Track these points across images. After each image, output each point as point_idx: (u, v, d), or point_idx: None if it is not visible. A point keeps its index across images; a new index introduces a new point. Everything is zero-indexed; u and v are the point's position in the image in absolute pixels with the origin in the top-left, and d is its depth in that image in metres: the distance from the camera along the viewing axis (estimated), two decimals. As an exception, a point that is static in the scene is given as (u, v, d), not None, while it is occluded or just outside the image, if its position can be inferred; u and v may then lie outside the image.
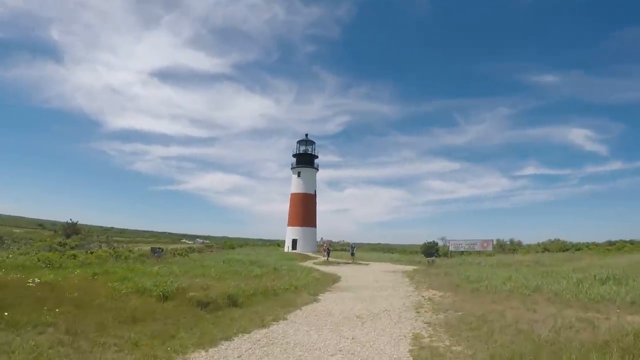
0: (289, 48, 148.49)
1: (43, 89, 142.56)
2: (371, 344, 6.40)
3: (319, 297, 11.41)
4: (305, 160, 49.98)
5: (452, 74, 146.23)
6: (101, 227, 78.40)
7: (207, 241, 71.76)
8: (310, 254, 40.45)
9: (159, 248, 26.45)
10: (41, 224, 63.59)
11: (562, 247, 37.30)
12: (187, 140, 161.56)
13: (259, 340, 6.50)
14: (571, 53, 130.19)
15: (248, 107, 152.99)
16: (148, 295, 9.09)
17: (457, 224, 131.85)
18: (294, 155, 50.81)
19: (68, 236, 31.16)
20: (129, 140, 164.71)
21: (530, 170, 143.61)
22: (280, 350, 5.98)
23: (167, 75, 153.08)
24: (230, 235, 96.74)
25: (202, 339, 6.30)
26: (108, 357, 5.27)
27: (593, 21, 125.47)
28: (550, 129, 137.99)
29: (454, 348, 6.05)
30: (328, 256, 30.12)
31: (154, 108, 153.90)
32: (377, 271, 21.60)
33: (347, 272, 20.47)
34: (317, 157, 51.07)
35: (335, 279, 16.68)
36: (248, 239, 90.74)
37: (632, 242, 36.72)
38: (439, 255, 33.79)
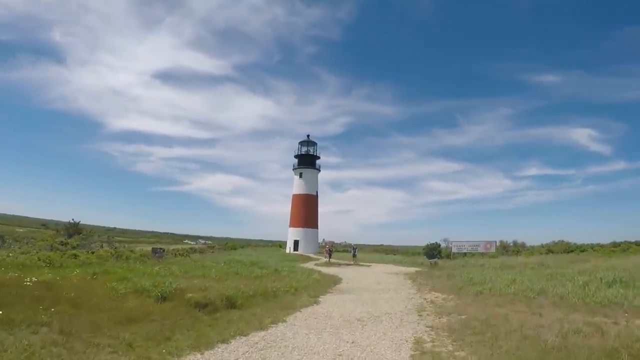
0: (290, 49, 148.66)
1: (46, 91, 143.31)
2: (371, 348, 6.23)
3: (320, 299, 11.23)
4: (306, 161, 49.86)
5: (452, 74, 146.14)
6: (104, 227, 78.55)
7: (209, 242, 71.74)
8: (311, 255, 40.32)
9: (160, 248, 26.38)
10: (44, 224, 63.45)
11: (567, 249, 36.93)
12: (188, 142, 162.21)
13: (257, 343, 6.36)
14: (572, 52, 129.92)
15: (249, 108, 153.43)
16: (146, 296, 9.01)
17: (459, 225, 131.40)
18: (295, 156, 50.76)
19: (70, 236, 31.06)
20: (131, 141, 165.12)
21: (532, 170, 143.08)
22: (278, 354, 5.84)
23: (169, 77, 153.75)
24: (232, 236, 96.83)
25: (198, 341, 6.17)
26: (101, 358, 5.16)
27: (594, 21, 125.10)
28: (552, 129, 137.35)
29: (457, 354, 5.89)
30: (330, 257, 29.93)
31: (156, 109, 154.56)
32: (379, 273, 21.40)
33: (348, 273, 20.28)
34: (318, 158, 50.99)
35: (336, 280, 16.50)
36: (250, 240, 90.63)
37: (637, 244, 36.13)
38: (441, 257, 33.45)
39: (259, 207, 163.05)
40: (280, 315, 8.54)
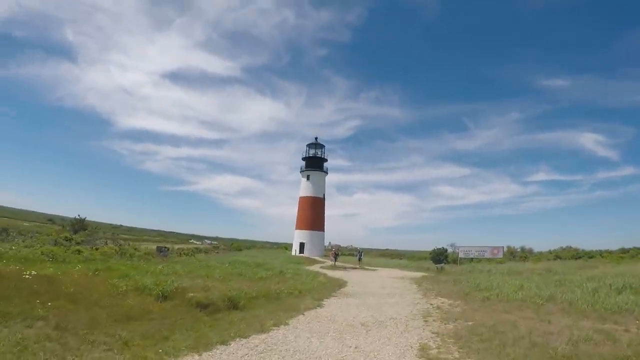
0: (299, 52, 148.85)
1: (57, 88, 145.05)
2: (375, 354, 6.03)
3: (324, 303, 11.04)
4: (314, 163, 49.73)
5: (461, 77, 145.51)
6: (110, 224, 78.98)
7: (215, 242, 71.83)
8: (317, 258, 40.11)
9: (165, 247, 26.45)
10: (51, 219, 64.09)
11: (575, 255, 36.45)
12: (197, 142, 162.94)
13: (257, 345, 6.17)
14: (581, 56, 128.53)
15: (258, 110, 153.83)
16: (147, 294, 8.89)
17: (466, 230, 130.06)
18: (303, 159, 50.67)
19: (75, 232, 31.26)
20: (139, 140, 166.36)
21: (540, 176, 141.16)
22: (279, 358, 5.66)
23: (179, 77, 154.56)
24: (238, 237, 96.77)
25: (197, 342, 6.02)
26: (95, 355, 5.02)
27: (602, 24, 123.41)
28: (561, 134, 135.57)
29: (463, 361, 5.68)
30: (335, 261, 29.76)
31: (165, 109, 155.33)
32: (385, 277, 21.18)
33: (353, 277, 20.08)
34: (326, 160, 50.87)
35: (341, 284, 16.31)
36: (256, 242, 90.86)
37: (646, 250, 35.71)
38: (448, 262, 33.16)
39: (266, 208, 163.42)
40: (282, 318, 8.34)
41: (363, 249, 42.13)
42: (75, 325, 5.98)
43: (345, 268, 26.63)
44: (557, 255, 37.37)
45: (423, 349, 6.35)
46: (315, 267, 25.48)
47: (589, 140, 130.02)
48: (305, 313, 9.27)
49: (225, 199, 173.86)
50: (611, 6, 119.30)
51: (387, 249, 75.57)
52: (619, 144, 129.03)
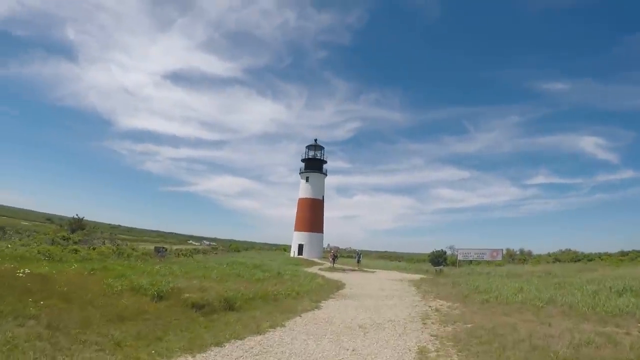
0: (300, 53, 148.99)
1: (57, 87, 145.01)
2: (373, 357, 5.93)
3: (321, 304, 10.93)
4: (313, 165, 49.56)
5: (461, 81, 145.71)
6: (109, 224, 78.71)
7: (214, 243, 71.61)
8: (316, 259, 39.97)
9: (163, 247, 26.30)
10: (49, 218, 63.90)
11: (574, 258, 36.45)
12: (197, 143, 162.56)
13: (252, 347, 6.07)
14: (581, 60, 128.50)
15: (259, 112, 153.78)
16: (142, 294, 8.79)
17: (465, 232, 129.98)
18: (302, 160, 50.48)
19: (73, 231, 31.10)
20: (140, 140, 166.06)
21: (540, 179, 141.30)
22: (274, 360, 5.55)
23: (180, 78, 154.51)
24: (237, 239, 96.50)
25: (191, 343, 5.92)
26: (86, 355, 4.92)
27: (603, 28, 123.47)
28: (561, 137, 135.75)
29: (462, 364, 5.57)
30: (334, 262, 29.64)
31: (166, 109, 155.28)
32: (383, 279, 21.06)
33: (352, 279, 19.97)
34: (325, 162, 50.65)
35: (339, 285, 16.21)
36: (255, 243, 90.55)
37: (646, 253, 35.68)
38: (447, 264, 33.06)
39: (265, 210, 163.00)
40: (279, 320, 8.24)
41: (362, 251, 42.01)
42: (68, 325, 5.88)
43: (343, 270, 26.50)
44: (557, 258, 37.36)
45: (421, 351, 6.25)
46: (314, 269, 25.33)
47: (589, 143, 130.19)
48: (302, 315, 9.16)
49: (225, 200, 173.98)
50: (611, 10, 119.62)
51: (386, 251, 75.54)
52: (618, 147, 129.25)
